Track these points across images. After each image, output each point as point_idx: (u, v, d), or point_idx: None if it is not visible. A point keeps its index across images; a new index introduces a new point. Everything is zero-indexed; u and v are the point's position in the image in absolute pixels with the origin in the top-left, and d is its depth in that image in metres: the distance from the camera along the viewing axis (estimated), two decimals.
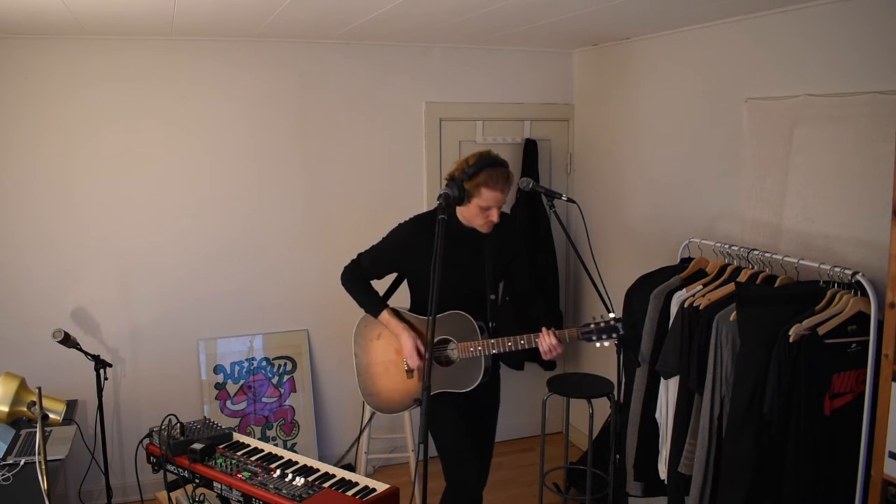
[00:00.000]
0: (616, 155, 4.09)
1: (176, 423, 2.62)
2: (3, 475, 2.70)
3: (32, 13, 2.93)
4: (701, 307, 2.73)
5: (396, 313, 2.88)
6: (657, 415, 3.00)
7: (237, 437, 2.68)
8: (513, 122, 4.36)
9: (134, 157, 3.73)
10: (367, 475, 3.36)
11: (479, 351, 2.73)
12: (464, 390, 2.78)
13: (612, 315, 2.63)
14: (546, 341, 2.65)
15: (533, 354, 4.31)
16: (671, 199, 3.63)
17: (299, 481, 2.31)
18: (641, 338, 3.04)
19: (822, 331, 2.33)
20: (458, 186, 2.63)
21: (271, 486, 2.30)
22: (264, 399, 4.07)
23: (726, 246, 2.95)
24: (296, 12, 3.04)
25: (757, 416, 2.43)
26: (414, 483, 3.62)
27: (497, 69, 4.27)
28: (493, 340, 2.71)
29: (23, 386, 3.03)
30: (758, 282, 2.76)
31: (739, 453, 2.49)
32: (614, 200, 4.11)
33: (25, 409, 2.97)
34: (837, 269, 2.45)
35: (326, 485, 2.31)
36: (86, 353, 3.30)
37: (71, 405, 3.32)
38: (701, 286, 2.89)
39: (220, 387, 3.99)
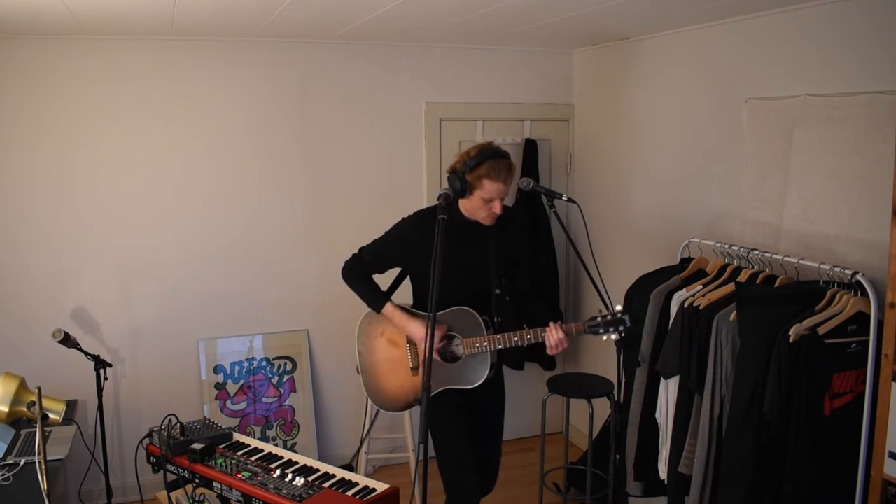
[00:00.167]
0: (616, 155, 4.09)
1: (176, 423, 2.62)
2: (3, 475, 2.70)
3: (32, 13, 2.93)
4: (701, 307, 2.73)
5: (399, 306, 2.87)
6: (657, 415, 3.00)
7: (237, 437, 2.68)
8: (513, 122, 4.36)
9: (134, 157, 3.73)
10: (367, 475, 3.35)
11: (485, 346, 2.72)
12: (470, 387, 2.77)
13: (618, 308, 2.63)
14: (554, 335, 2.64)
15: (533, 354, 4.35)
16: (671, 198, 3.63)
17: (299, 481, 2.31)
18: (641, 338, 3.04)
19: (822, 331, 2.33)
20: (460, 178, 2.62)
21: (271, 486, 2.30)
22: (264, 399, 4.07)
23: (726, 246, 2.95)
24: (296, 12, 3.04)
25: (757, 416, 2.43)
26: (414, 483, 3.62)
27: (497, 69, 4.27)
28: (498, 336, 2.70)
29: (23, 386, 3.03)
30: (758, 282, 2.76)
31: (739, 453, 2.49)
32: (614, 200, 4.11)
33: (25, 409, 2.97)
34: (837, 269, 2.45)
35: (326, 485, 2.31)
36: (86, 353, 3.30)
37: (71, 405, 3.32)
38: (701, 286, 2.89)
39: (220, 387, 3.99)
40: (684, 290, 2.93)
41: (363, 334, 2.97)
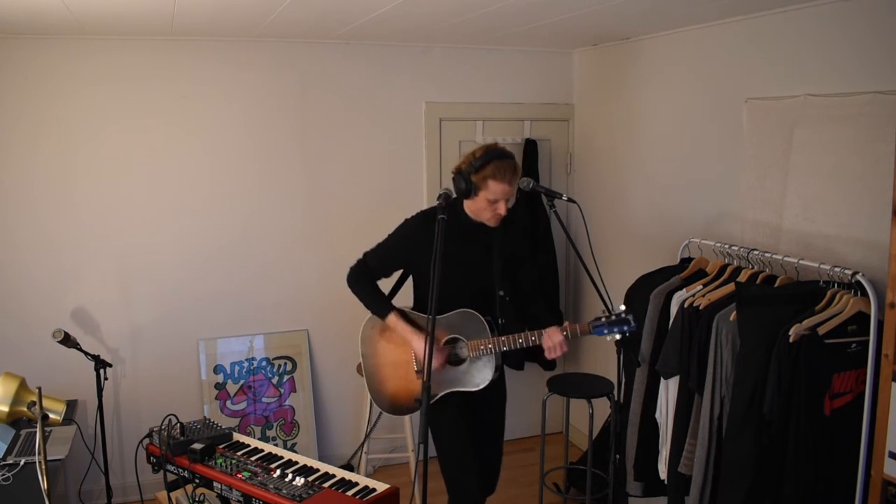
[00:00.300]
0: (616, 155, 4.09)
1: (176, 423, 2.62)
2: (3, 475, 2.70)
3: (32, 13, 2.93)
4: (701, 307, 2.73)
5: (403, 315, 2.84)
6: (657, 415, 3.00)
7: (237, 437, 2.68)
8: (513, 122, 4.36)
9: (134, 156, 3.73)
10: (367, 475, 3.35)
11: (490, 348, 2.72)
12: (475, 389, 2.77)
13: (622, 308, 2.64)
14: (552, 338, 2.65)
15: (533, 354, 4.35)
16: (671, 198, 3.63)
17: (299, 481, 2.31)
18: (641, 338, 3.04)
19: (822, 331, 2.33)
20: (466, 179, 2.63)
21: (271, 486, 2.30)
22: (264, 399, 4.07)
23: (726, 246, 2.95)
24: (296, 12, 3.04)
25: (757, 416, 2.43)
26: (414, 483, 3.62)
27: (497, 69, 4.27)
28: (503, 338, 2.70)
29: (23, 386, 3.03)
30: (758, 282, 2.76)
31: (739, 453, 2.49)
32: (614, 200, 4.11)
33: (25, 409, 2.97)
34: (837, 269, 2.45)
35: (326, 485, 2.31)
36: (86, 353, 3.30)
37: (71, 405, 3.32)
38: (701, 286, 2.89)
39: (220, 387, 3.99)
40: (684, 290, 2.93)
41: (367, 338, 2.96)
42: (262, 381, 4.07)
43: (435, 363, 2.72)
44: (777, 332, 2.38)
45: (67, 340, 3.21)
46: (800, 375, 2.33)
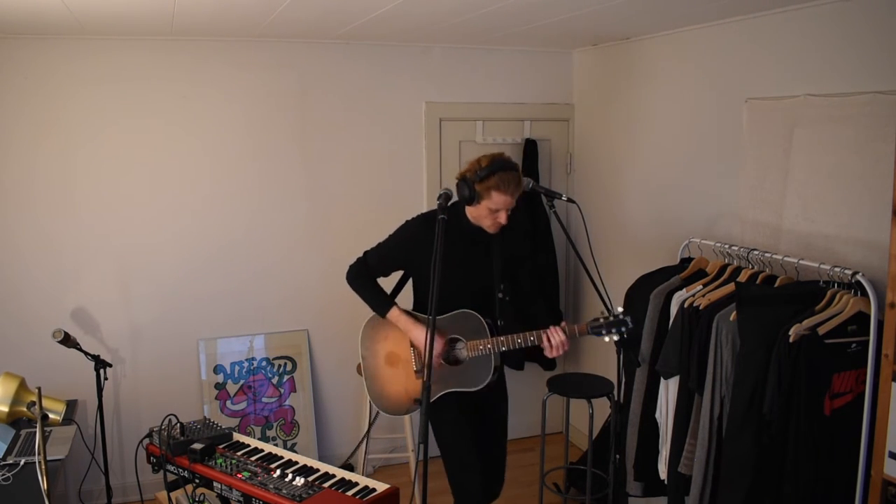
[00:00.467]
0: (616, 155, 4.09)
1: (176, 423, 2.62)
2: (3, 475, 2.70)
3: (32, 13, 2.93)
4: (701, 307, 2.73)
5: (404, 310, 2.87)
6: (657, 415, 3.00)
7: (237, 437, 2.68)
8: (513, 122, 4.36)
9: (134, 157, 3.73)
10: (367, 475, 3.35)
11: (489, 349, 2.72)
12: (473, 389, 2.78)
13: (619, 309, 2.65)
14: (555, 337, 2.66)
15: (533, 354, 4.35)
16: (671, 199, 3.63)
17: (299, 481, 2.31)
18: (641, 338, 3.04)
19: (822, 331, 2.33)
20: (469, 187, 2.64)
21: (271, 486, 2.30)
22: (264, 399, 4.07)
23: (726, 246, 2.95)
24: (296, 12, 3.04)
25: (757, 416, 2.43)
26: (414, 483, 3.62)
27: (497, 69, 4.27)
28: (502, 338, 2.70)
29: (23, 386, 3.03)
30: (758, 282, 2.76)
31: (739, 453, 2.49)
32: (614, 200, 4.10)
33: (25, 409, 2.97)
34: (837, 269, 2.45)
35: (326, 485, 2.31)
36: (86, 353, 3.30)
37: (71, 405, 3.31)
38: (701, 286, 2.90)
39: (220, 387, 3.99)
40: (684, 290, 2.93)
41: (366, 338, 2.97)
42: (262, 381, 4.07)
43: (435, 349, 2.73)
44: (777, 332, 2.38)
45: (67, 340, 3.21)
46: (800, 375, 2.33)
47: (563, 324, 2.69)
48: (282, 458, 2.52)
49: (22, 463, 2.79)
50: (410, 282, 3.00)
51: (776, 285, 2.68)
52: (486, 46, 4.19)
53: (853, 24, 2.57)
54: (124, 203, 3.74)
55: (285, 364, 4.11)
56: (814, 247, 2.73)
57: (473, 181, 2.63)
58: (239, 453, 2.55)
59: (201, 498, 2.46)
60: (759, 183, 2.98)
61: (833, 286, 2.49)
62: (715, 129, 3.29)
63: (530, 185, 2.78)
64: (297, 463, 2.48)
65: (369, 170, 4.13)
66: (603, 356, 4.15)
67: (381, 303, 2.87)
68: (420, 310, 2.90)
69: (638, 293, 3.11)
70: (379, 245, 2.89)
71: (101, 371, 3.33)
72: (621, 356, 2.99)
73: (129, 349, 3.84)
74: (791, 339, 2.33)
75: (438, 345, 2.75)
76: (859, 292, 2.39)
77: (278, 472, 2.38)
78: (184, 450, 2.49)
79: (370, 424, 3.52)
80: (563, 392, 3.39)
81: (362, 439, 3.68)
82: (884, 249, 2.30)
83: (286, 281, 4.07)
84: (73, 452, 3.09)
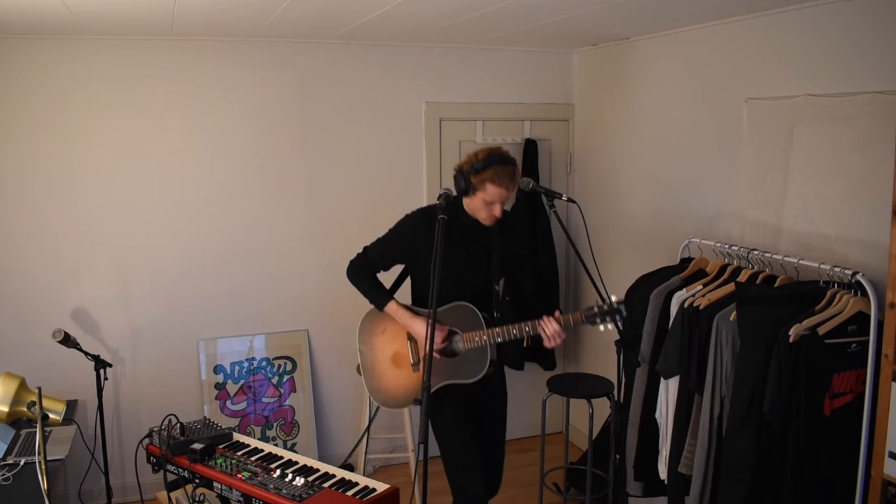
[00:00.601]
0: (616, 155, 4.09)
1: (176, 423, 2.62)
2: (3, 475, 2.70)
3: (32, 13, 2.92)
4: (701, 307, 2.73)
5: (402, 304, 2.89)
6: (657, 415, 3.00)
7: (237, 437, 2.68)
8: (513, 122, 4.36)
9: (134, 157, 3.73)
10: (367, 475, 3.35)
11: (485, 340, 2.74)
12: (470, 380, 2.79)
13: (614, 298, 2.65)
14: (550, 327, 2.66)
15: (533, 354, 4.35)
16: (671, 198, 3.63)
17: (299, 481, 2.31)
18: (641, 338, 3.04)
19: (822, 331, 2.33)
20: (466, 179, 2.68)
21: (271, 486, 2.30)
22: (264, 399, 4.07)
23: (726, 246, 2.95)
24: (296, 12, 3.04)
25: (757, 416, 2.43)
26: (414, 483, 3.62)
27: (497, 69, 4.27)
28: (497, 329, 2.72)
29: (23, 386, 3.03)
30: (758, 282, 2.76)
31: (739, 453, 2.49)
32: (614, 200, 4.11)
33: (25, 409, 2.97)
34: (837, 269, 2.45)
35: (326, 485, 2.31)
36: (86, 353, 3.30)
37: (71, 405, 3.32)
38: (701, 286, 2.89)
39: (220, 387, 3.99)
40: (684, 290, 2.93)
41: (364, 332, 2.99)
42: (262, 381, 4.07)
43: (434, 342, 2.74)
44: (777, 332, 2.38)
45: (67, 340, 3.21)
46: (800, 375, 2.33)
47: (557, 313, 2.70)
48: (282, 458, 2.52)
49: (22, 463, 2.79)
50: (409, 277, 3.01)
51: (776, 285, 2.68)
52: (486, 46, 4.19)
53: (853, 23, 2.57)
54: (124, 203, 3.74)
55: (285, 364, 4.11)
56: (814, 247, 2.73)
57: (470, 173, 2.67)
58: (239, 453, 2.55)
59: (201, 498, 2.46)
60: (759, 183, 2.98)
61: (833, 286, 2.49)
62: (715, 129, 3.29)
63: (530, 185, 2.79)
64: (297, 463, 2.48)
65: (369, 169, 4.13)
66: (603, 356, 4.15)
67: (379, 296, 2.89)
68: (418, 304, 2.92)
69: (638, 293, 3.11)
70: (379, 240, 2.92)
71: (101, 371, 3.33)
72: (621, 356, 2.99)
73: (129, 349, 3.84)
74: (791, 339, 2.33)
75: (439, 336, 2.77)
76: (859, 292, 2.39)
77: (278, 472, 2.38)
78: (184, 450, 2.49)
79: (370, 420, 3.52)
80: (563, 392, 3.39)
81: (362, 435, 3.68)
82: (884, 249, 2.30)
83: (286, 281, 4.07)
84: (73, 452, 3.09)
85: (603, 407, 3.63)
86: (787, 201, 2.86)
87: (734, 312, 2.58)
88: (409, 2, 2.82)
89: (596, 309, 2.66)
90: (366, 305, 2.97)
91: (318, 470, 2.42)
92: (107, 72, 3.62)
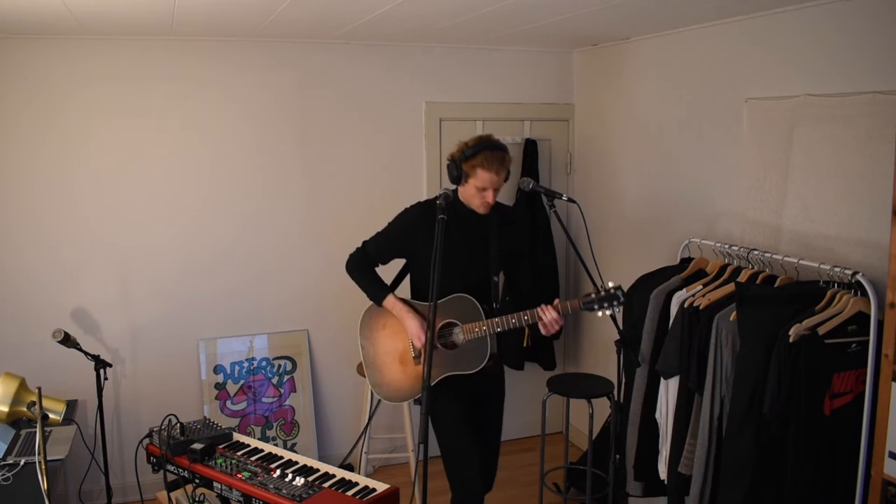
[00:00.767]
0: (616, 155, 4.09)
1: (176, 423, 2.62)
2: (3, 475, 2.70)
3: (32, 13, 2.93)
4: (701, 307, 2.73)
5: (401, 298, 2.91)
6: (657, 415, 3.00)
7: (237, 437, 2.68)
8: (513, 122, 4.36)
9: (134, 157, 3.73)
10: (367, 475, 3.35)
11: (484, 330, 2.76)
12: (470, 372, 2.80)
13: (610, 283, 2.67)
14: (547, 314, 2.68)
15: (533, 354, 4.35)
16: (671, 198, 3.63)
17: (299, 481, 2.31)
18: (641, 338, 3.04)
19: (822, 331, 2.33)
20: (457, 166, 2.73)
21: (271, 486, 2.30)
22: (264, 399, 4.07)
23: (726, 246, 2.95)
24: (296, 12, 3.04)
25: (757, 416, 2.43)
26: (414, 483, 3.62)
27: (497, 69, 4.27)
28: (496, 319, 2.74)
29: (23, 386, 3.02)
30: (758, 282, 2.76)
31: (739, 453, 2.49)
32: (614, 200, 4.11)
33: (25, 409, 2.96)
34: (837, 269, 2.45)
35: (326, 485, 2.31)
36: (86, 353, 3.30)
37: (71, 405, 3.32)
38: (701, 286, 2.90)
39: (220, 387, 3.99)
40: (684, 290, 2.93)
41: (365, 328, 3.00)
42: (262, 381, 4.07)
43: (422, 339, 2.79)
44: (777, 332, 2.38)
45: (67, 340, 3.21)
46: (800, 375, 2.33)
47: (556, 301, 2.71)
48: (282, 458, 2.52)
49: (22, 463, 2.79)
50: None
51: (776, 285, 2.68)
52: (486, 46, 4.19)
53: (853, 24, 2.57)
54: (124, 203, 3.74)
55: (285, 364, 4.11)
56: (814, 247, 2.73)
57: (461, 160, 2.72)
58: (239, 453, 2.55)
59: (201, 498, 2.46)
60: (759, 183, 2.98)
61: (833, 286, 2.49)
62: (715, 129, 3.29)
63: (530, 185, 2.80)
64: (297, 463, 2.48)
65: (369, 169, 4.13)
66: (603, 356, 4.15)
67: (377, 290, 2.92)
68: (417, 297, 2.94)
69: (638, 293, 3.11)
70: (377, 234, 2.95)
71: (101, 371, 3.33)
72: (621, 356, 2.99)
73: (129, 349, 3.84)
74: (791, 339, 2.33)
75: (422, 333, 2.79)
76: (859, 292, 2.39)
77: (278, 472, 2.38)
78: (184, 450, 2.49)
79: (370, 416, 3.52)
80: (563, 392, 3.39)
81: (363, 431, 3.68)
82: (884, 249, 2.30)
83: (286, 281, 4.07)
84: (73, 452, 3.09)
85: (603, 407, 3.63)
86: (787, 201, 2.86)
87: (734, 312, 2.58)
88: (409, 2, 2.82)
89: (593, 295, 2.68)
90: (365, 304, 2.97)
91: (318, 470, 2.42)
92: (107, 72, 3.62)
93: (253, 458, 2.50)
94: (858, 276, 2.37)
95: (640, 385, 3.08)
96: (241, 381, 4.03)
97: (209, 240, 3.91)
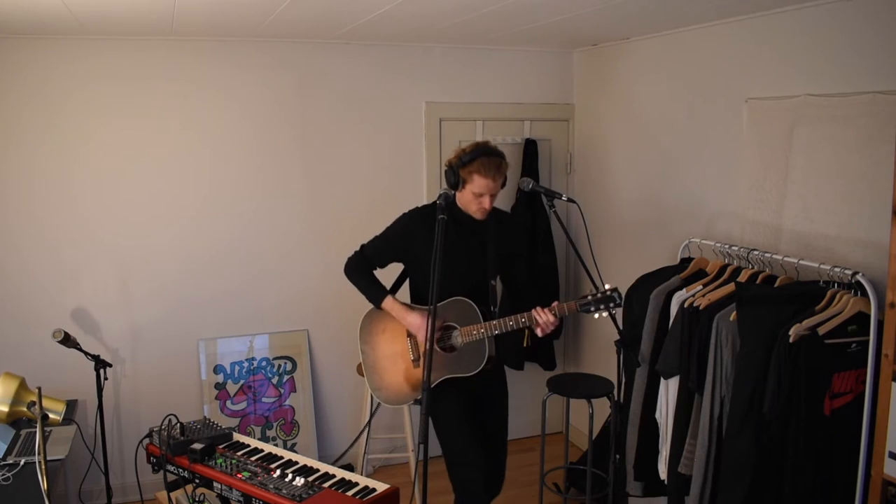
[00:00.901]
0: (616, 155, 4.09)
1: (176, 423, 2.62)
2: (3, 475, 2.70)
3: (32, 13, 2.93)
4: (701, 307, 2.73)
5: (399, 300, 2.92)
6: (657, 415, 3.00)
7: (237, 437, 2.68)
8: (513, 122, 4.36)
9: (134, 157, 3.73)
10: (367, 475, 3.35)
11: (482, 333, 2.77)
12: (469, 374, 2.81)
13: (608, 286, 2.69)
14: (542, 317, 2.71)
15: (533, 354, 4.35)
16: (671, 198, 3.63)
17: (299, 481, 2.31)
18: (641, 338, 3.04)
19: (822, 331, 2.33)
20: (455, 173, 2.76)
21: (271, 486, 2.30)
22: (264, 399, 4.07)
23: (726, 246, 2.95)
24: (296, 12, 3.04)
25: (757, 416, 2.43)
26: (414, 483, 3.62)
27: (497, 69, 4.27)
28: (494, 322, 2.77)
29: (23, 386, 3.03)
30: (758, 282, 2.76)
31: (739, 453, 2.49)
32: (614, 200, 4.11)
33: (25, 409, 2.96)
34: (837, 269, 2.45)
35: (326, 485, 2.31)
36: (86, 353, 3.30)
37: (71, 405, 3.32)
38: (701, 286, 2.90)
39: (220, 387, 3.99)
40: (684, 290, 2.93)
41: (365, 332, 3.00)
42: (262, 381, 4.07)
43: (424, 333, 2.78)
44: (777, 332, 2.38)
45: (67, 340, 3.21)
46: (800, 375, 2.33)
47: (553, 304, 2.73)
48: (282, 458, 2.52)
49: (22, 463, 2.79)
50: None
51: (776, 285, 2.68)
52: (486, 46, 4.19)
53: (853, 23, 2.57)
54: (124, 203, 3.74)
55: (285, 364, 4.11)
56: (814, 247, 2.73)
57: (458, 167, 2.75)
58: (239, 453, 2.55)
59: (201, 498, 2.46)
60: (759, 183, 2.98)
61: (833, 286, 2.49)
62: (715, 129, 3.29)
63: (530, 185, 2.81)
64: (297, 463, 2.48)
65: (369, 169, 4.13)
66: (603, 356, 4.15)
67: (376, 293, 2.93)
68: (417, 302, 2.95)
69: (638, 293, 3.11)
70: (375, 238, 2.96)
71: (101, 371, 3.33)
72: (621, 356, 2.99)
73: (129, 349, 3.84)
74: (791, 339, 2.33)
75: (423, 325, 2.80)
76: (859, 292, 2.39)
77: (278, 472, 2.38)
78: (184, 450, 2.49)
79: (371, 416, 3.52)
80: (563, 392, 3.39)
81: (362, 431, 3.68)
82: (884, 249, 2.30)
83: (286, 281, 4.07)
84: (73, 452, 3.09)
85: (603, 407, 3.63)
86: (787, 201, 2.86)
87: (734, 312, 2.58)
88: (409, 2, 2.82)
89: (590, 297, 2.71)
90: (365, 306, 2.98)
91: (318, 470, 2.42)
92: (107, 72, 3.62)
93: (253, 458, 2.50)
94: (858, 276, 2.37)
95: (640, 385, 3.08)
96: (241, 381, 4.03)
97: (209, 240, 3.91)
